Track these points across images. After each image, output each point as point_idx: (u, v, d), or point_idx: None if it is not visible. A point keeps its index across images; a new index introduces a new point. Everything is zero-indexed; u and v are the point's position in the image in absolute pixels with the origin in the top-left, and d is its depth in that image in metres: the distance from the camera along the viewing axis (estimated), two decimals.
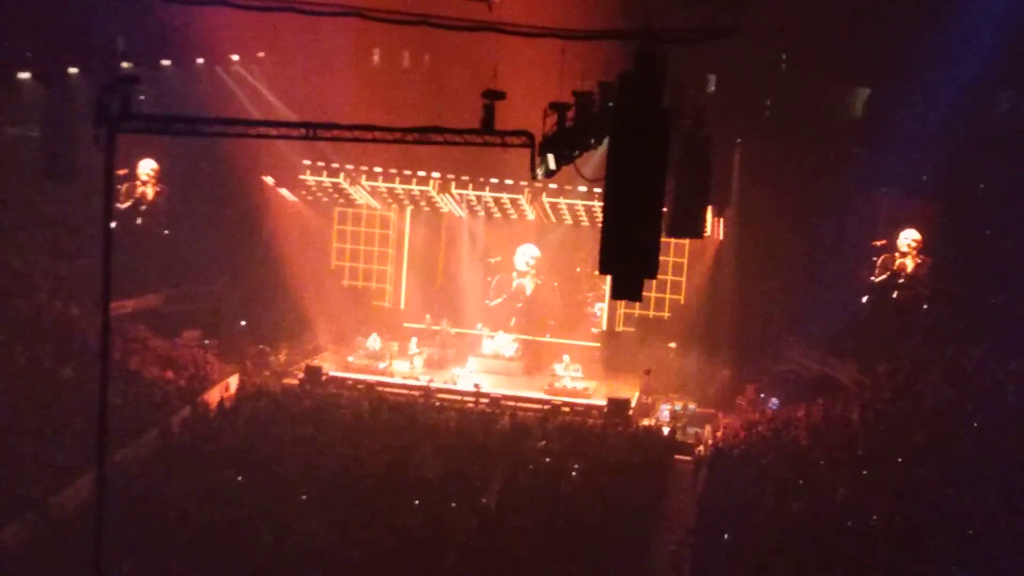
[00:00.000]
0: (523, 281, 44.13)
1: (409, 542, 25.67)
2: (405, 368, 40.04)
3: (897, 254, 38.93)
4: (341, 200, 43.72)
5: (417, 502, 27.96)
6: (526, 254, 44.06)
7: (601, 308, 43.11)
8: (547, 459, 31.59)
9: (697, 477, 32.52)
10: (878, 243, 39.06)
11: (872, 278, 39.28)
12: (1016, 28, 32.65)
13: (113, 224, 15.09)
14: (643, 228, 12.95)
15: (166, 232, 41.94)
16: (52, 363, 33.30)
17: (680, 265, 42.14)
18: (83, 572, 22.03)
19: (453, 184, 41.01)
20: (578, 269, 43.30)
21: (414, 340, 41.18)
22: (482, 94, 18.27)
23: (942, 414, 30.73)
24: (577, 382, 39.30)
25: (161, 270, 41.52)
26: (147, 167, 41.29)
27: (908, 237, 38.56)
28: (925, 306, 38.30)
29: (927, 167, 37.39)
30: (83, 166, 29.59)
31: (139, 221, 41.02)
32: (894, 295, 38.63)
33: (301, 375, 38.66)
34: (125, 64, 32.93)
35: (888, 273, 38.86)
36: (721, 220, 40.42)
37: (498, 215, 42.73)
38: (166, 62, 36.01)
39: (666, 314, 42.68)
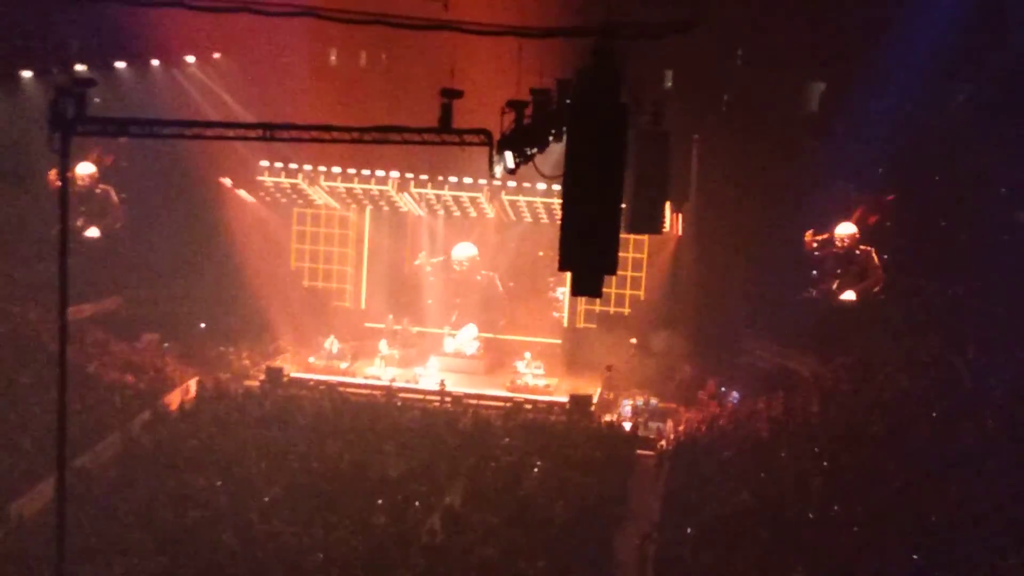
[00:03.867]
0: (464, 276, 44.15)
1: (374, 542, 25.67)
2: (371, 369, 39.97)
3: (835, 247, 39.09)
4: (300, 201, 43.58)
5: (381, 501, 27.96)
6: (462, 252, 44.02)
7: (563, 292, 43.08)
8: (510, 456, 31.65)
9: (660, 471, 32.67)
10: (819, 237, 39.24)
11: (813, 272, 39.51)
12: (969, 21, 32.95)
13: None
14: (602, 224, 12.99)
15: (99, 234, 40.89)
16: (10, 369, 33.03)
17: (640, 261, 42.30)
18: None
19: (412, 183, 40.94)
20: (540, 253, 42.93)
21: (383, 342, 41.11)
22: (440, 93, 18.27)
23: (901, 404, 31.00)
24: (539, 379, 39.42)
25: (119, 273, 41.24)
26: (85, 170, 40.42)
27: (844, 231, 38.76)
28: (876, 289, 38.50)
29: (883, 160, 37.66)
30: (38, 170, 29.46)
31: (80, 223, 40.16)
32: (834, 286, 38.83)
33: (262, 377, 38.56)
34: (79, 67, 32.75)
35: (829, 267, 39.09)
36: (680, 215, 40.59)
37: (457, 214, 42.74)
38: (121, 64, 35.73)
39: (627, 310, 42.83)
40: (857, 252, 38.61)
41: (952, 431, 28.24)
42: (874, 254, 38.37)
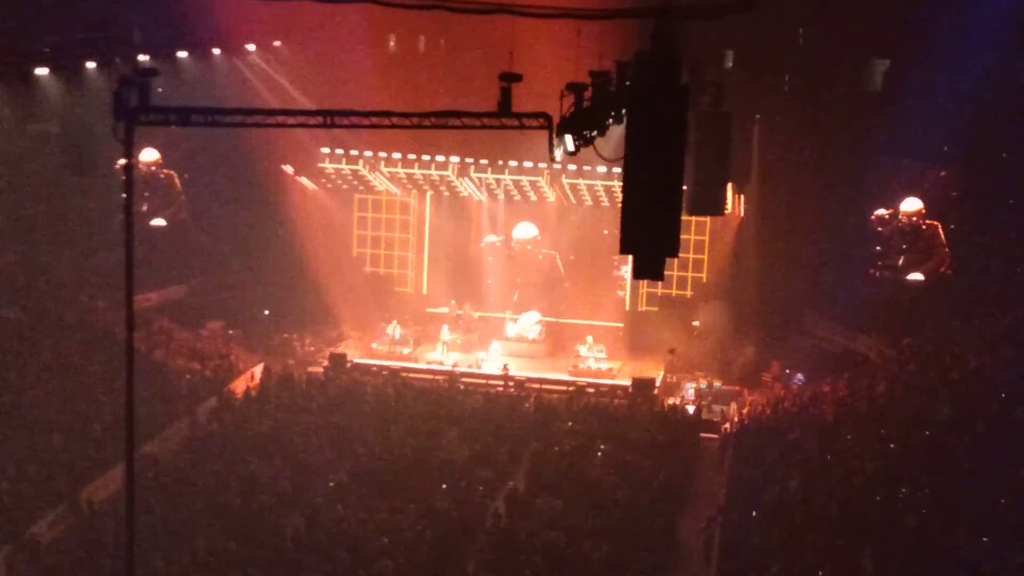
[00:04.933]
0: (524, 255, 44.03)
1: (438, 526, 25.76)
2: (434, 354, 40.07)
3: (900, 224, 38.59)
4: (361, 187, 43.78)
5: (445, 486, 28.05)
6: (523, 232, 43.91)
7: (627, 271, 42.78)
8: (574, 440, 31.63)
9: (724, 455, 32.53)
10: (885, 213, 38.76)
11: (877, 248, 39.02)
12: None
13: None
14: (663, 207, 12.88)
15: (165, 223, 41.17)
16: (78, 357, 33.52)
17: (702, 243, 42.02)
18: (115, 562, 22.33)
19: (472, 168, 40.97)
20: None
21: (445, 328, 41.15)
22: (499, 77, 18.24)
23: (969, 385, 30.58)
24: (601, 363, 39.32)
25: (184, 262, 41.70)
26: (150, 156, 40.81)
27: (910, 206, 38.26)
28: (943, 268, 37.96)
29: (948, 137, 37.14)
30: (102, 160, 29.78)
31: (144, 208, 40.53)
32: (900, 262, 38.33)
33: (325, 363, 38.80)
34: (142, 57, 33.08)
35: (895, 243, 38.58)
36: (742, 196, 40.26)
37: (518, 198, 42.70)
38: (183, 54, 36.05)
39: (689, 292, 42.61)
40: (923, 227, 38.11)
41: (1022, 412, 27.83)
42: (940, 230, 37.88)
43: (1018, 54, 35.59)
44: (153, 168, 40.66)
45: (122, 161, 16.44)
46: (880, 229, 38.92)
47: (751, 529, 25.85)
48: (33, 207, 38.36)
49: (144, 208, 40.40)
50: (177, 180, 41.47)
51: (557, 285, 43.93)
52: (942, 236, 38.00)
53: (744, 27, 30.61)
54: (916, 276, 37.98)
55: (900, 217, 38.41)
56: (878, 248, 39.04)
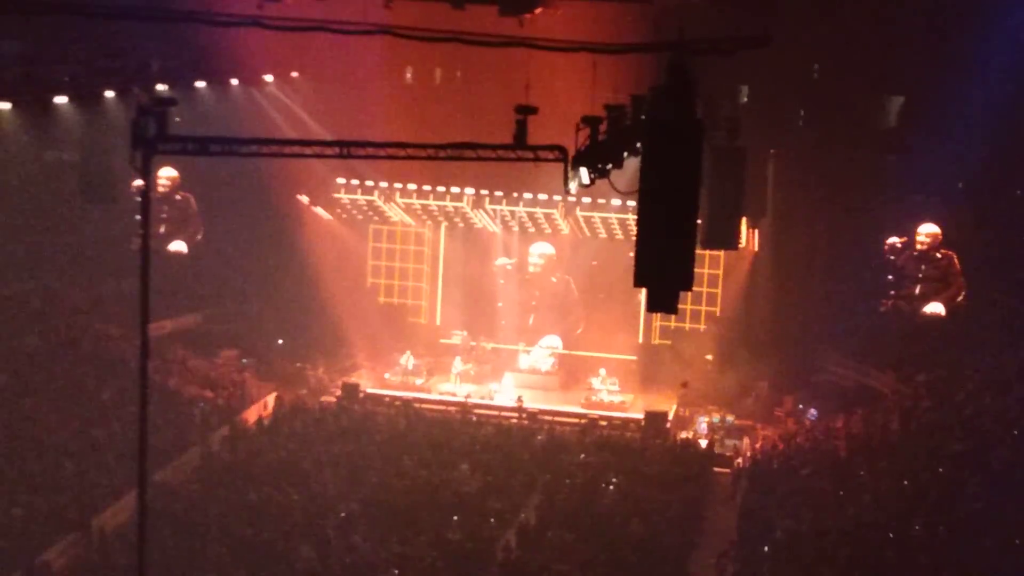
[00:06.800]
0: (536, 278, 43.96)
1: (449, 558, 25.72)
2: (447, 385, 40.02)
3: (915, 251, 38.50)
4: (376, 217, 43.88)
5: (456, 518, 28.00)
6: (537, 252, 43.87)
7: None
8: (586, 473, 31.56)
9: (736, 489, 32.40)
10: (898, 241, 38.67)
11: (890, 277, 38.90)
12: None
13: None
14: (677, 240, 12.92)
15: (186, 249, 41.24)
16: (92, 384, 33.59)
17: (715, 277, 41.96)
18: None
19: (487, 200, 41.06)
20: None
21: (458, 359, 41.08)
22: (514, 109, 18.33)
23: (982, 422, 30.47)
24: (614, 395, 39.20)
25: (199, 290, 41.82)
26: (168, 174, 40.91)
27: (927, 230, 38.14)
28: (960, 298, 37.80)
29: (962, 173, 37.14)
30: (120, 188, 29.96)
31: (162, 229, 40.71)
32: (917, 291, 38.22)
33: (338, 392, 38.72)
34: (160, 86, 33.30)
35: (910, 271, 38.46)
36: (756, 231, 40.24)
37: (532, 230, 42.72)
38: (201, 84, 36.27)
39: (702, 326, 42.54)
40: (939, 256, 38.02)
41: None
42: (955, 259, 37.81)
43: None
44: (170, 187, 40.86)
45: (139, 182, 16.49)
46: (893, 258, 38.83)
47: (762, 565, 25.74)
48: (49, 234, 38.55)
49: (162, 229, 40.58)
50: (193, 202, 41.65)
51: (572, 309, 43.91)
52: (957, 265, 37.93)
53: (759, 62, 30.64)
54: (936, 307, 37.75)
55: (916, 244, 38.32)
56: (890, 277, 38.93)
